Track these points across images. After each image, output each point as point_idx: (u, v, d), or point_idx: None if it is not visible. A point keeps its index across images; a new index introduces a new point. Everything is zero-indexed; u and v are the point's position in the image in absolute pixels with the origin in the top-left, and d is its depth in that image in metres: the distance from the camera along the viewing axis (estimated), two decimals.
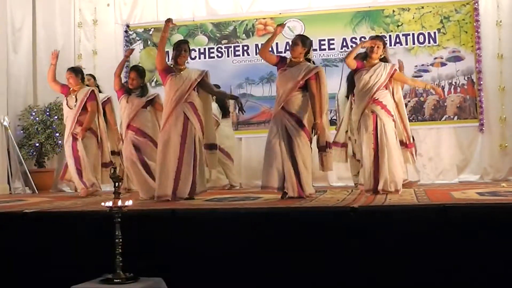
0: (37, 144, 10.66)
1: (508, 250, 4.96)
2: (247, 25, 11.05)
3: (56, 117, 10.64)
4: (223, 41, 11.10)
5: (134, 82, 8.14)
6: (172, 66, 7.58)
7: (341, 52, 10.46)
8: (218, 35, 11.15)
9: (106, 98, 9.19)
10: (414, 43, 10.45)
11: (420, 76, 10.32)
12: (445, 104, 10.29)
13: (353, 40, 10.53)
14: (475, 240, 5.02)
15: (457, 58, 10.29)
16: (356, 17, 10.64)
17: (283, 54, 9.90)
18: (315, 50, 10.63)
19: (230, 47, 11.03)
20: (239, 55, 10.95)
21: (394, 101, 7.53)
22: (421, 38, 10.44)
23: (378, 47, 7.49)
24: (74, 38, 11.58)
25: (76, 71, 8.85)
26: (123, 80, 8.64)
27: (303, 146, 7.00)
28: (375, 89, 7.36)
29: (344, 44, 10.52)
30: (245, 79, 10.82)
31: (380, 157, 7.21)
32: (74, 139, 8.51)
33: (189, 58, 8.23)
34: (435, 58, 10.35)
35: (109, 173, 5.17)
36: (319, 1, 10.91)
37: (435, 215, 5.25)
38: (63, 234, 5.77)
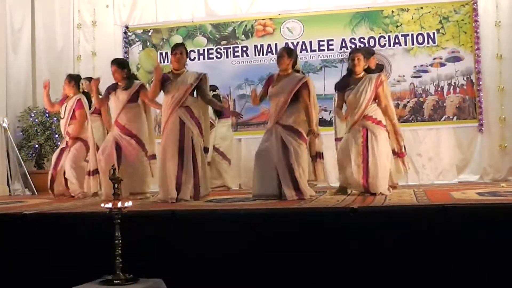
0: (37, 146, 10.67)
1: (508, 250, 4.96)
2: (246, 26, 11.05)
3: (55, 118, 10.63)
4: (222, 42, 11.10)
5: (116, 75, 7.99)
6: (168, 73, 7.60)
7: (340, 53, 10.47)
8: (217, 36, 11.14)
9: None
10: (413, 44, 10.44)
11: (420, 77, 10.34)
12: (445, 104, 10.29)
13: (352, 40, 10.54)
14: (474, 240, 5.02)
15: (456, 59, 10.29)
16: (355, 17, 10.64)
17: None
18: (314, 51, 10.68)
19: (229, 48, 11.03)
20: (238, 56, 10.95)
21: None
22: (420, 39, 10.44)
23: (358, 59, 7.47)
24: (73, 39, 11.58)
25: (70, 78, 8.90)
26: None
27: (301, 152, 7.03)
28: (363, 106, 7.36)
29: (343, 44, 10.52)
30: (245, 79, 10.82)
31: (371, 168, 7.23)
32: (63, 148, 8.68)
33: (188, 60, 8.16)
34: (434, 59, 10.35)
35: (109, 174, 5.16)
36: (318, 1, 10.91)
37: (435, 216, 5.24)
38: (62, 235, 5.77)
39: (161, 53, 11.27)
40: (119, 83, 8.01)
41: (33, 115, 10.93)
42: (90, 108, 8.80)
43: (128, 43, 11.45)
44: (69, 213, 6.52)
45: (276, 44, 10.76)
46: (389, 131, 7.47)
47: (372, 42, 10.46)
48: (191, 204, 6.92)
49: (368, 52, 8.30)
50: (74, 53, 11.52)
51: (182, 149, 7.26)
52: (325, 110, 10.08)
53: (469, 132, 10.21)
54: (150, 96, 7.67)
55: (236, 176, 10.30)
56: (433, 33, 10.39)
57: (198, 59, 11.00)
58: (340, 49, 10.55)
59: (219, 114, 10.02)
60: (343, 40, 10.55)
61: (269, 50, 10.75)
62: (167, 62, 10.60)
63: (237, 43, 11.00)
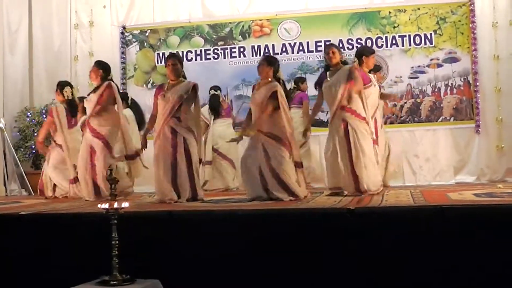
0: (33, 146, 10.65)
1: (505, 251, 4.96)
2: (243, 26, 11.05)
3: None
4: (220, 43, 11.10)
5: (91, 74, 8.19)
6: (164, 84, 7.70)
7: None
8: (214, 36, 11.14)
9: None
10: (410, 45, 10.46)
11: (417, 78, 10.35)
12: (442, 105, 10.30)
13: (350, 41, 10.56)
14: (471, 241, 5.02)
15: (453, 59, 10.30)
16: (353, 18, 10.65)
17: (279, 56, 9.94)
18: (311, 51, 10.68)
19: (227, 48, 11.04)
20: (235, 57, 10.96)
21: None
22: (417, 40, 10.45)
23: (333, 52, 7.59)
24: (70, 39, 11.58)
25: (57, 86, 9.02)
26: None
27: (282, 157, 7.05)
28: (339, 96, 7.40)
29: (341, 45, 10.50)
30: (242, 80, 10.82)
31: (355, 162, 7.29)
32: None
33: (185, 60, 8.18)
34: (431, 60, 10.36)
35: (106, 174, 5.16)
36: (315, 2, 10.92)
37: (432, 216, 5.25)
38: (59, 236, 5.76)
39: (158, 54, 11.27)
40: (94, 82, 8.23)
41: (29, 115, 10.92)
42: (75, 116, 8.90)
43: (125, 43, 11.44)
44: (66, 213, 6.51)
45: (273, 45, 10.79)
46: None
47: (369, 43, 10.46)
48: (188, 204, 6.92)
49: (368, 51, 8.36)
50: (71, 54, 11.52)
51: (175, 158, 7.29)
52: (322, 111, 10.08)
53: (466, 133, 10.22)
54: None
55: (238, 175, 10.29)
56: (430, 34, 10.40)
57: (195, 60, 11.00)
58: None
59: (216, 113, 10.02)
60: (340, 40, 10.55)
61: (266, 50, 10.76)
62: (164, 63, 10.60)
63: (234, 44, 11.00)
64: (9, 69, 11.13)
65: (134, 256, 5.05)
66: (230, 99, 10.82)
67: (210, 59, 11.10)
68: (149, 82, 11.29)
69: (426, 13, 10.45)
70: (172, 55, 7.83)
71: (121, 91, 10.11)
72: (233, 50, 10.97)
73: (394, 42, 10.52)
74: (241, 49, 10.94)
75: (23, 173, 10.47)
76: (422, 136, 10.33)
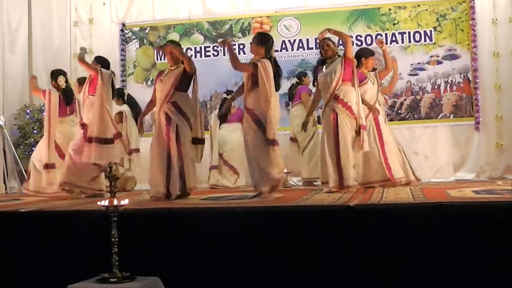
0: (33, 143, 10.64)
1: (504, 248, 4.96)
2: (243, 23, 11.06)
3: None
4: (219, 40, 11.08)
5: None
6: (164, 70, 7.68)
7: (337, 50, 10.45)
8: (214, 33, 11.15)
9: None
10: (410, 42, 10.46)
11: (416, 75, 10.35)
12: (441, 102, 10.31)
13: None
14: (471, 238, 5.02)
15: (453, 56, 10.31)
16: (353, 15, 10.66)
17: (278, 53, 9.96)
18: (311, 48, 10.68)
19: None
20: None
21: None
22: (417, 37, 10.46)
23: (327, 45, 7.74)
24: (70, 37, 11.59)
25: (51, 74, 8.97)
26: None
27: (255, 141, 6.93)
28: (333, 84, 7.46)
29: (340, 42, 10.46)
30: (241, 77, 10.74)
31: (342, 155, 7.34)
32: None
33: None
34: (431, 56, 10.37)
35: (105, 172, 5.16)
36: None
37: (431, 214, 5.25)
38: (59, 233, 5.76)
39: (157, 51, 11.27)
40: None
41: (29, 112, 10.92)
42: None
43: (125, 40, 11.45)
44: (65, 211, 6.51)
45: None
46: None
47: (369, 40, 10.47)
48: (188, 202, 6.91)
49: (367, 53, 8.38)
50: (71, 51, 11.52)
51: (169, 145, 7.26)
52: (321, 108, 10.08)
53: (466, 130, 10.23)
54: None
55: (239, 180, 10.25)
56: (430, 31, 10.40)
57: (195, 57, 10.98)
58: (337, 47, 10.50)
59: (223, 119, 10.00)
60: None
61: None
62: (164, 59, 10.61)
63: (234, 41, 10.97)
64: (9, 67, 11.15)
65: (134, 254, 5.05)
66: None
67: (209, 56, 11.11)
68: (148, 79, 11.29)
69: (426, 10, 10.45)
70: (168, 42, 7.81)
71: (118, 87, 10.17)
72: (233, 47, 10.94)
73: (394, 39, 10.52)
74: (241, 46, 10.92)
75: (23, 170, 10.46)
76: (422, 133, 10.35)
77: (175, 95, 7.33)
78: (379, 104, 8.36)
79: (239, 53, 10.86)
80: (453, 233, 5.07)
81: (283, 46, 10.84)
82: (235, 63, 7.21)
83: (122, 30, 11.45)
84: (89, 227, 5.65)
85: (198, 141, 7.48)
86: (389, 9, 10.59)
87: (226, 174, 9.87)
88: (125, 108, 9.60)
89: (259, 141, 6.90)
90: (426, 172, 10.09)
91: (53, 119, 8.57)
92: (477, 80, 10.14)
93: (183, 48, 8.05)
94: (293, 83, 10.12)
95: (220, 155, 9.93)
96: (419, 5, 10.49)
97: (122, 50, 11.39)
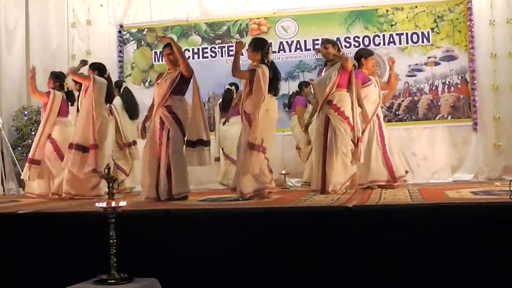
0: (31, 145, 10.61)
1: (502, 249, 4.97)
2: (240, 25, 11.05)
3: None
4: (217, 41, 11.11)
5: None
6: (163, 73, 7.70)
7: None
8: (211, 35, 11.15)
9: None
10: (407, 43, 10.46)
11: (414, 76, 10.36)
12: (439, 103, 10.31)
13: (347, 39, 10.56)
14: (469, 239, 5.03)
15: (450, 58, 10.31)
16: (350, 16, 10.66)
17: (276, 54, 9.99)
18: (309, 50, 10.68)
19: (224, 47, 11.04)
20: (232, 55, 10.91)
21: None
22: (415, 38, 10.46)
23: (326, 47, 7.71)
24: (67, 38, 11.57)
25: (51, 75, 9.00)
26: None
27: (246, 145, 6.99)
28: (327, 89, 7.48)
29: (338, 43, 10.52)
30: (240, 80, 10.80)
31: (327, 161, 7.40)
32: None
33: None
34: (429, 58, 10.37)
35: (103, 173, 5.16)
36: (313, 0, 10.93)
37: (430, 214, 5.25)
38: (57, 234, 5.76)
39: (155, 52, 11.27)
40: None
41: (27, 114, 10.91)
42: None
43: (122, 42, 11.44)
44: (63, 212, 6.51)
45: (270, 43, 10.65)
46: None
47: (366, 41, 10.48)
48: (186, 203, 6.92)
49: (367, 53, 8.40)
50: (69, 52, 11.51)
51: (160, 150, 7.28)
52: None
53: (464, 131, 10.23)
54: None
55: None
56: (428, 32, 10.41)
57: (193, 58, 10.98)
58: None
59: (225, 109, 9.95)
60: (338, 39, 10.51)
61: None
62: (162, 61, 10.61)
63: (231, 42, 10.98)
64: (6, 67, 11.15)
65: (132, 255, 5.05)
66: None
67: (207, 57, 11.11)
68: (146, 81, 11.29)
69: (424, 11, 10.46)
70: (167, 44, 7.83)
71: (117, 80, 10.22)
72: (230, 48, 10.95)
73: (391, 40, 10.52)
74: None
75: (21, 172, 10.43)
76: (420, 134, 10.35)
77: (170, 99, 7.34)
78: (381, 107, 8.41)
79: None
80: (451, 234, 5.08)
81: (281, 48, 10.83)
82: (235, 70, 7.22)
83: (119, 32, 11.45)
84: (87, 229, 5.65)
85: (202, 144, 7.43)
86: (387, 10, 10.60)
87: (229, 168, 9.84)
88: (115, 101, 9.54)
89: (247, 144, 6.97)
90: (424, 173, 10.12)
91: (51, 118, 8.66)
92: (475, 81, 10.14)
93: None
94: (293, 92, 10.11)
95: (222, 149, 9.90)
96: (416, 6, 10.49)
97: (120, 51, 11.38)
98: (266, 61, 7.15)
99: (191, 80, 7.46)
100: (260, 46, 7.26)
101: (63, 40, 11.57)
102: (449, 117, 10.29)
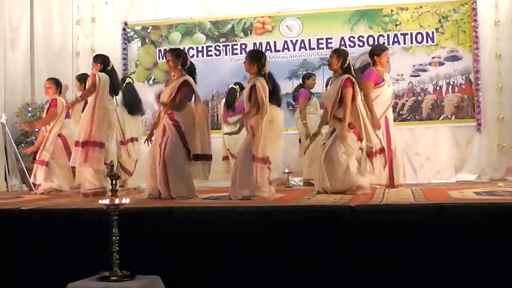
0: (34, 141, 10.63)
1: (505, 250, 4.96)
2: (245, 23, 11.05)
3: None
4: (221, 40, 11.11)
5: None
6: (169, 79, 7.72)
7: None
8: (216, 33, 11.15)
9: None
10: (412, 43, 10.45)
11: (418, 76, 10.35)
12: (443, 103, 10.30)
13: (351, 39, 10.56)
14: (472, 239, 5.02)
15: (455, 58, 10.30)
16: (354, 16, 10.65)
17: (280, 53, 10.01)
18: (313, 49, 10.68)
19: (228, 45, 11.04)
20: (237, 54, 10.95)
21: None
22: (419, 38, 10.45)
23: (331, 57, 7.64)
24: (72, 35, 11.57)
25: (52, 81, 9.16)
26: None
27: (247, 154, 7.02)
28: (330, 107, 7.51)
29: (342, 43, 10.52)
30: (243, 77, 10.69)
31: (328, 167, 7.37)
32: None
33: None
34: (433, 58, 10.37)
35: (107, 171, 5.17)
36: (317, 0, 10.90)
37: (433, 215, 5.25)
38: (59, 231, 5.76)
39: (159, 50, 11.27)
40: None
41: (30, 110, 10.93)
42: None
43: (126, 39, 11.45)
44: (66, 209, 6.51)
45: (275, 42, 10.80)
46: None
47: (371, 41, 10.46)
48: (189, 201, 6.91)
49: (379, 49, 8.39)
50: (73, 50, 11.51)
51: (160, 154, 7.28)
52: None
53: (467, 131, 10.22)
54: None
55: None
56: (432, 32, 10.39)
57: (197, 56, 10.99)
58: (339, 47, 10.53)
59: (229, 106, 9.95)
60: (342, 38, 10.56)
61: (268, 47, 10.75)
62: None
63: (236, 41, 11.00)
64: (11, 64, 11.16)
65: (134, 252, 5.05)
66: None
67: (211, 55, 11.10)
68: (150, 79, 11.31)
69: (428, 11, 10.45)
70: (168, 50, 7.79)
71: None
72: (234, 47, 10.97)
73: (396, 40, 10.51)
74: (243, 46, 10.92)
75: (24, 168, 10.44)
76: (423, 134, 10.34)
77: (173, 106, 7.33)
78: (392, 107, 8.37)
79: (241, 53, 10.86)
80: (454, 234, 5.07)
81: (285, 47, 10.83)
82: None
83: (124, 29, 11.45)
84: (90, 226, 5.65)
85: (205, 158, 7.38)
86: (391, 10, 10.59)
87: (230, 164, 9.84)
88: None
89: (249, 155, 6.95)
90: (427, 173, 10.11)
91: (63, 122, 8.99)
92: (479, 82, 10.14)
93: (183, 51, 7.93)
94: (298, 84, 10.11)
95: (227, 149, 9.89)
96: (421, 6, 10.48)
97: (124, 49, 11.39)
98: (263, 73, 7.13)
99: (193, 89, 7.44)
100: (256, 57, 7.24)
101: (67, 38, 11.58)
102: (453, 117, 10.28)
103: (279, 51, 10.75)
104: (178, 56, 7.50)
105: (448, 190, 7.44)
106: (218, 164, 9.57)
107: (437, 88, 10.32)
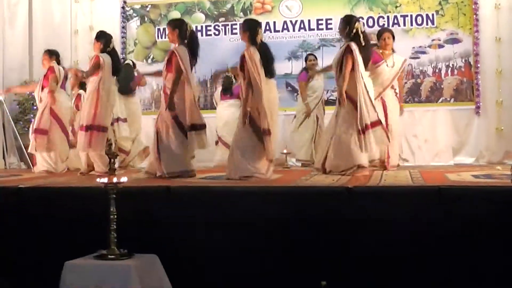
0: (33, 119, 10.61)
1: (503, 232, 4.98)
2: (244, 3, 11.00)
3: None
4: (221, 19, 11.06)
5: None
6: None
7: (339, 32, 10.41)
8: (215, 12, 11.10)
9: None
10: (412, 25, 10.42)
11: (418, 58, 10.32)
12: (442, 86, 10.29)
13: None
14: (469, 222, 5.04)
15: (455, 41, 10.27)
16: None
17: (280, 33, 9.99)
18: (312, 29, 10.64)
19: (228, 25, 11.00)
20: (236, 33, 10.86)
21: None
22: (419, 20, 10.41)
23: (340, 23, 7.77)
24: (70, 13, 11.50)
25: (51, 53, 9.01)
26: None
27: (243, 133, 6.94)
28: (334, 73, 7.57)
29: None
30: None
31: (332, 142, 7.37)
32: None
33: None
34: (433, 40, 10.33)
35: (105, 149, 5.17)
36: None
37: (430, 197, 5.26)
38: (57, 209, 5.77)
39: (158, 29, 11.22)
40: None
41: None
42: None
43: (125, 18, 11.40)
44: (64, 187, 6.52)
45: (274, 22, 10.75)
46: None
47: (371, 22, 10.42)
48: (186, 180, 6.90)
49: (379, 32, 8.54)
50: (72, 28, 11.44)
51: (156, 131, 7.30)
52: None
53: (466, 114, 10.21)
54: None
55: None
56: (432, 15, 10.35)
57: None
58: (339, 28, 10.46)
59: (226, 91, 9.96)
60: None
61: (268, 28, 10.69)
62: (165, 38, 10.57)
63: (235, 20, 10.95)
64: (9, 42, 11.10)
65: (132, 231, 5.07)
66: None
67: (211, 35, 11.06)
68: (149, 57, 11.27)
69: None
70: (167, 22, 7.75)
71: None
72: (234, 26, 10.91)
73: (395, 22, 10.47)
74: None
75: (22, 146, 10.43)
76: (422, 117, 10.32)
77: (167, 78, 7.27)
78: (392, 89, 8.26)
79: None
80: (451, 217, 5.08)
81: (285, 27, 10.79)
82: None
83: (123, 8, 11.40)
84: (88, 204, 5.66)
85: (194, 128, 7.22)
86: None
87: (222, 149, 9.83)
88: None
89: (246, 133, 6.90)
90: (425, 156, 10.11)
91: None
92: (478, 65, 10.11)
93: (180, 22, 7.64)
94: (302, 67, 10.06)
95: (220, 138, 9.89)
96: None
97: (123, 27, 11.34)
98: (256, 42, 7.01)
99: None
100: (246, 26, 7.15)
101: (65, 15, 11.51)
102: (452, 100, 10.28)
103: (278, 31, 10.70)
104: (174, 27, 7.39)
105: (446, 172, 7.44)
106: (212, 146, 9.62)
107: (437, 70, 10.30)
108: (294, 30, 10.79)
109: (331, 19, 10.56)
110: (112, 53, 8.24)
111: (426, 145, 10.19)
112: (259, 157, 6.87)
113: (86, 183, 6.64)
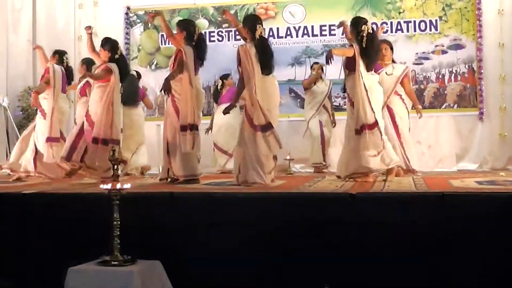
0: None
1: (506, 238, 4.97)
2: (248, 9, 11.01)
3: None
4: (224, 25, 11.08)
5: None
6: None
7: (342, 38, 10.36)
8: (219, 18, 11.12)
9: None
10: (415, 30, 10.42)
11: (421, 64, 10.32)
12: (445, 92, 10.28)
13: None
14: (473, 228, 5.03)
15: (458, 46, 10.27)
16: (358, 3, 10.61)
17: (283, 40, 9.97)
18: (316, 35, 10.65)
19: (231, 31, 11.00)
20: (239, 39, 10.82)
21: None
22: (423, 26, 10.42)
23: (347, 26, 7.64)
24: (74, 19, 11.55)
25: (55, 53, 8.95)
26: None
27: (246, 133, 6.88)
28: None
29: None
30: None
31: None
32: None
33: None
34: (436, 46, 10.33)
35: (109, 155, 5.18)
36: None
37: (434, 203, 5.25)
38: (61, 215, 5.77)
39: (162, 35, 11.23)
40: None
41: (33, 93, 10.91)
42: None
43: (129, 24, 11.43)
44: (68, 193, 6.52)
45: (278, 28, 10.76)
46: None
47: (374, 28, 10.40)
48: (190, 186, 6.91)
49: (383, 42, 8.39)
50: (75, 34, 11.49)
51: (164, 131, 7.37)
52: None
53: (469, 120, 10.20)
54: None
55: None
56: (436, 20, 10.36)
57: None
58: (342, 34, 10.36)
59: (215, 99, 10.03)
60: None
61: (271, 34, 10.71)
62: (168, 44, 10.60)
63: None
64: (13, 48, 11.16)
65: (135, 237, 5.07)
66: (234, 82, 10.74)
67: (214, 41, 11.08)
68: (152, 63, 11.29)
69: None
70: (176, 22, 7.76)
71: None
72: (237, 32, 10.89)
73: (399, 27, 10.48)
74: None
75: None
76: (425, 123, 10.26)
77: (174, 80, 7.24)
78: (398, 95, 8.23)
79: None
80: (454, 223, 5.08)
81: (288, 33, 10.80)
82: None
83: (127, 14, 11.43)
84: (91, 210, 5.66)
85: (185, 128, 7.12)
86: None
87: (217, 155, 9.85)
88: None
89: (249, 132, 6.85)
90: (429, 162, 10.08)
91: (57, 95, 8.59)
92: (482, 71, 10.11)
93: (190, 25, 7.64)
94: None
95: (215, 143, 9.90)
96: None
97: (127, 33, 11.37)
98: (254, 37, 6.97)
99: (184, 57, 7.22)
100: (246, 21, 7.21)
101: (69, 21, 11.57)
102: (455, 106, 10.27)
103: (282, 37, 10.72)
104: (183, 29, 7.42)
105: (449, 178, 7.44)
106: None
107: (440, 76, 10.30)
108: (297, 36, 10.80)
109: (334, 25, 10.49)
110: (120, 60, 8.06)
111: (429, 151, 10.17)
112: (268, 168, 6.85)
113: (90, 189, 6.64)
